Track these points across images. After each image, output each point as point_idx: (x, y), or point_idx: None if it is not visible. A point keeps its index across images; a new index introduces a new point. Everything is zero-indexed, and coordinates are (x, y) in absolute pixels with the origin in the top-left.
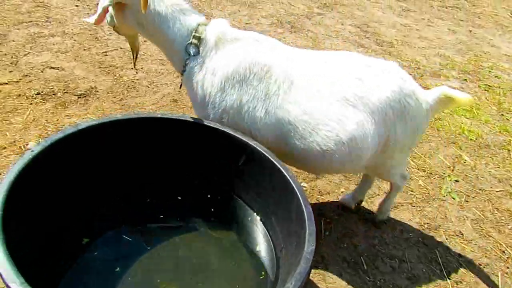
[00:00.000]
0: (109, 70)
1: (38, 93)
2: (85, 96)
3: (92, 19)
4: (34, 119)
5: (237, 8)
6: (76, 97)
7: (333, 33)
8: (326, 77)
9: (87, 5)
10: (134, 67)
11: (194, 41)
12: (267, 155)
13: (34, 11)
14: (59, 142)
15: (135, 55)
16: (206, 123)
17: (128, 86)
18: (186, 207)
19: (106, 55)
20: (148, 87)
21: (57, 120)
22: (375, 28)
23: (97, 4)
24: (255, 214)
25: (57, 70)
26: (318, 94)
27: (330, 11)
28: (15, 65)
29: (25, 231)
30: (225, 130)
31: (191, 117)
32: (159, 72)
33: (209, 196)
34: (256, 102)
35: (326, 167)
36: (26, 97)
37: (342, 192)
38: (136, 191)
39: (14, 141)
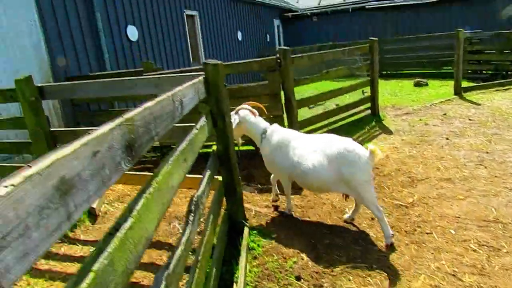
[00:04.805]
0: None
1: None
2: None
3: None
4: None
5: None
6: None
7: None
8: (309, 142)
9: None
10: (238, 148)
11: (263, 135)
12: None
13: None
14: None
15: (239, 143)
16: None
17: None
18: None
19: None
20: None
21: None
22: None
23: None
24: None
25: None
26: (304, 150)
27: None
28: None
29: None
30: None
31: None
32: None
33: None
34: (283, 154)
35: (310, 183)
36: None
37: None
38: None
39: None
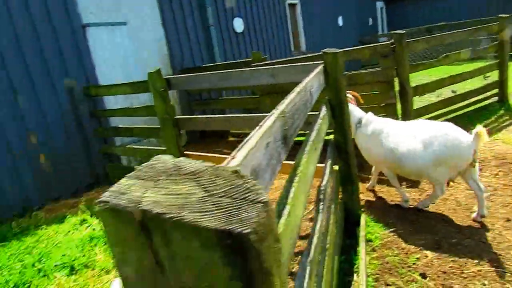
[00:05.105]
0: None
1: None
2: None
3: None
4: None
5: None
6: None
7: None
8: (404, 129)
9: None
10: None
11: (358, 124)
12: None
13: None
14: None
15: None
16: None
17: None
18: None
19: None
20: None
21: None
22: None
23: None
24: None
25: None
26: (400, 137)
27: None
28: None
29: None
30: None
31: None
32: None
33: None
34: (378, 142)
35: (404, 167)
36: None
37: None
38: None
39: None
